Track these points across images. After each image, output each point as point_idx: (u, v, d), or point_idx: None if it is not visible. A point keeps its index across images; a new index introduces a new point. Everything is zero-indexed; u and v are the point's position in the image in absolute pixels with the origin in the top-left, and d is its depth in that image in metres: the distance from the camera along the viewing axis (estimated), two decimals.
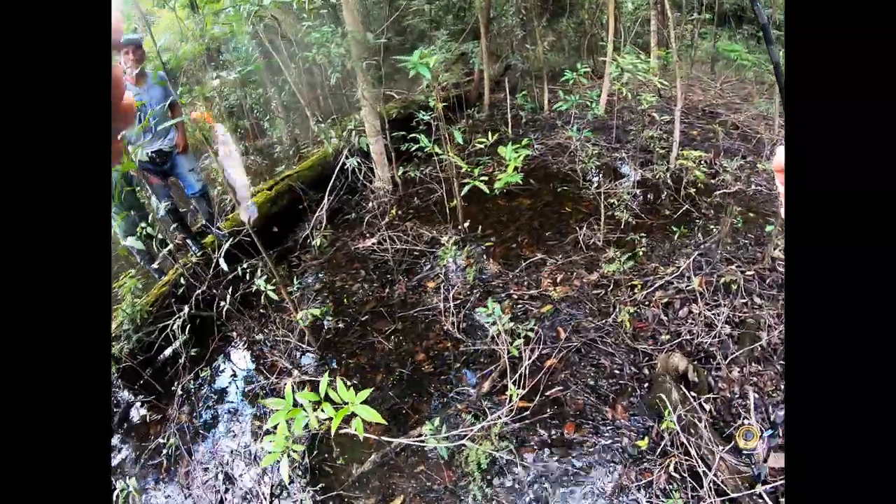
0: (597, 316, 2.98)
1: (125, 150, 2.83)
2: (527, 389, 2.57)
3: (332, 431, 2.28)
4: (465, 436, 2.35)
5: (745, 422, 2.32)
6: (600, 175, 4.90)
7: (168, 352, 3.58)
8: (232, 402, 3.20)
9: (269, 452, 1.91)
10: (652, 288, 3.03)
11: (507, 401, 2.54)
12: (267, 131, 7.40)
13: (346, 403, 1.84)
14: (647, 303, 2.96)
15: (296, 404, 1.86)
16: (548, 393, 2.59)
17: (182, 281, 3.59)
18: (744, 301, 2.83)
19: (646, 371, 2.60)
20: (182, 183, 4.19)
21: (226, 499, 2.68)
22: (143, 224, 4.04)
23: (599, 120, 5.22)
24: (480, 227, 4.42)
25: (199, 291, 3.46)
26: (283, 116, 7.33)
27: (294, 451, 1.90)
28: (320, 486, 2.45)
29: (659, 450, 2.17)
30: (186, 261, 4.07)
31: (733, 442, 2.24)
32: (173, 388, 3.27)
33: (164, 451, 2.98)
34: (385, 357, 3.13)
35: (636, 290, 3.06)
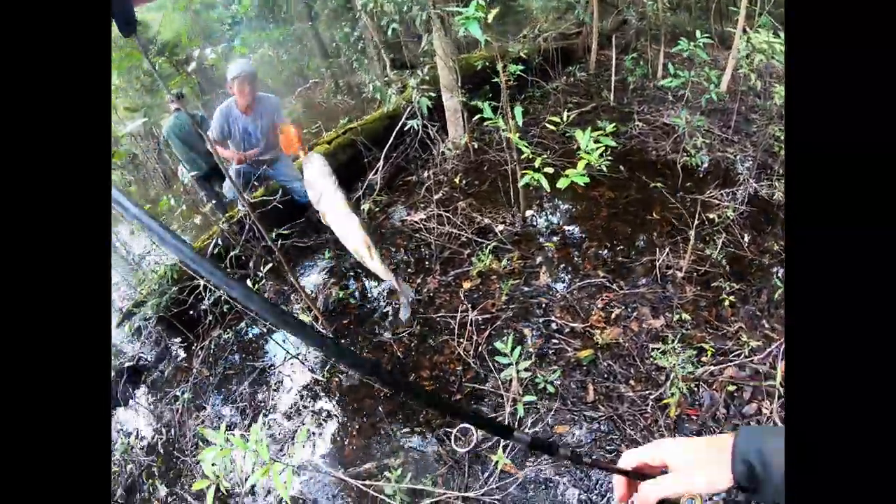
0: (642, 383, 2.37)
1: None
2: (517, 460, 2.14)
3: (246, 488, 2.12)
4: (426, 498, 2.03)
5: None
6: (704, 174, 3.91)
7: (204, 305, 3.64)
8: (243, 368, 3.19)
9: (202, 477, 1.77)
10: (723, 364, 2.30)
11: (492, 468, 2.15)
12: (356, 70, 7.09)
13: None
14: (710, 380, 2.27)
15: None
16: (543, 475, 2.13)
17: (220, 241, 3.57)
18: None
19: None
20: (290, 192, 4.03)
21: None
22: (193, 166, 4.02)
23: (717, 101, 4.11)
24: (544, 222, 3.79)
25: (232, 254, 3.38)
26: (375, 55, 6.92)
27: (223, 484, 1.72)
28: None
29: None
30: (233, 213, 4.05)
31: None
32: (193, 347, 3.34)
33: (177, 403, 3.09)
34: (390, 362, 2.85)
35: (703, 358, 2.36)
